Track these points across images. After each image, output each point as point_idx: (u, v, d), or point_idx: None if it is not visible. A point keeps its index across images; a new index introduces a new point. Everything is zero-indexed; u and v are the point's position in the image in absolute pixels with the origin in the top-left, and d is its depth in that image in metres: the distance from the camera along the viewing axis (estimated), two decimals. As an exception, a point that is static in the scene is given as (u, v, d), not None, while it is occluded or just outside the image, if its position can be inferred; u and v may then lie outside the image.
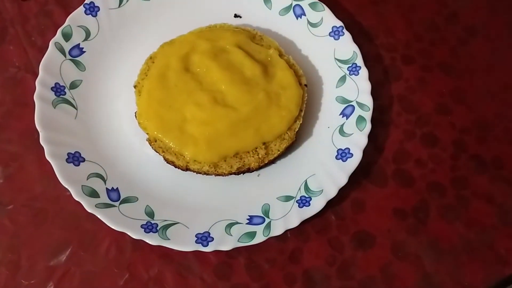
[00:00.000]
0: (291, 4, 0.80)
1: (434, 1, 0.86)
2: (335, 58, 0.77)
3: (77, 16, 0.76)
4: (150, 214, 0.67)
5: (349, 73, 0.75)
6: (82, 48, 0.75)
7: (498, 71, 0.80)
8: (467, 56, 0.81)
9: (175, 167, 0.70)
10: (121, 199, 0.67)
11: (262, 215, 0.67)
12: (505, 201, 0.72)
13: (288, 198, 0.69)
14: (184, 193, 0.70)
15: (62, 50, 0.74)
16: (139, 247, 0.67)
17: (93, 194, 0.66)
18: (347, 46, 0.76)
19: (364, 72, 0.74)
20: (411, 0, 0.85)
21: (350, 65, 0.75)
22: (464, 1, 0.86)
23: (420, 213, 0.71)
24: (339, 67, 0.76)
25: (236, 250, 0.65)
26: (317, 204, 0.67)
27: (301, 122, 0.72)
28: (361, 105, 0.73)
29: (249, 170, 0.70)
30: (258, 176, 0.72)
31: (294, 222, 0.66)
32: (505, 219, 0.71)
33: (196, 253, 0.65)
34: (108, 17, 0.77)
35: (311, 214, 0.67)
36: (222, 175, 0.69)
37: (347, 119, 0.73)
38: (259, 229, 0.66)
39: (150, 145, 0.70)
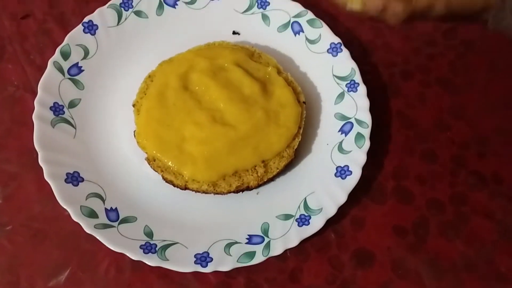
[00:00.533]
0: (289, 21, 0.80)
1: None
2: (334, 75, 0.77)
3: (76, 34, 0.76)
4: (149, 234, 0.66)
5: (348, 90, 0.75)
6: (81, 67, 0.76)
7: (497, 86, 0.80)
8: (466, 71, 0.81)
9: (174, 186, 0.69)
10: (120, 219, 0.67)
11: (262, 234, 0.67)
12: (505, 217, 0.72)
13: (287, 217, 0.68)
14: (182, 212, 0.70)
15: (60, 69, 0.74)
16: (139, 268, 0.67)
17: (92, 214, 0.66)
18: (345, 63, 0.76)
19: (362, 88, 0.74)
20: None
21: (349, 81, 0.75)
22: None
23: (420, 230, 0.71)
24: (338, 83, 0.76)
25: (235, 269, 0.65)
26: (317, 223, 0.67)
27: (300, 139, 0.72)
28: (359, 122, 0.73)
29: (248, 189, 0.70)
30: (257, 194, 0.72)
31: (293, 242, 0.66)
32: (505, 235, 0.71)
33: (196, 273, 0.65)
34: (107, 36, 0.78)
35: (311, 233, 0.66)
36: (221, 194, 0.69)
37: (346, 136, 0.73)
38: (259, 248, 0.65)
39: (149, 164, 0.70)
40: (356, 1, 0.66)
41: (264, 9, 0.81)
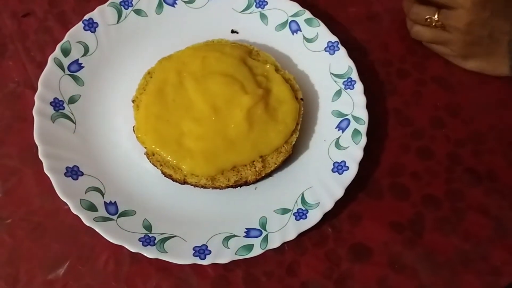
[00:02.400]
0: (287, 20, 0.81)
1: (427, 16, 0.87)
2: (331, 73, 0.78)
3: (76, 32, 0.77)
4: (148, 227, 0.67)
5: (345, 87, 0.76)
6: (81, 63, 0.76)
7: (492, 83, 0.81)
8: (461, 69, 0.82)
9: (173, 180, 0.70)
10: (119, 212, 0.68)
11: (259, 228, 0.68)
12: (500, 213, 0.72)
13: (285, 211, 0.69)
14: (181, 206, 0.70)
15: (61, 66, 0.75)
16: (137, 261, 0.68)
17: (91, 207, 0.67)
18: (342, 61, 0.77)
19: (359, 86, 0.75)
20: (405, 15, 0.86)
21: (346, 79, 0.76)
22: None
23: (416, 226, 0.72)
24: (335, 81, 0.77)
25: (233, 263, 0.66)
26: (314, 217, 0.68)
27: (297, 135, 0.72)
28: (356, 119, 0.74)
29: (246, 183, 0.71)
30: (255, 189, 0.72)
31: (291, 235, 0.66)
32: (500, 231, 0.71)
33: (194, 266, 0.65)
34: (107, 33, 0.78)
35: (308, 226, 0.67)
36: (219, 188, 0.70)
37: (343, 132, 0.74)
38: (256, 242, 0.66)
39: (148, 159, 0.70)
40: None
41: (262, 8, 0.82)
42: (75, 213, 0.65)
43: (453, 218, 0.72)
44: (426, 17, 0.76)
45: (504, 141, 0.77)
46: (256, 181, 0.71)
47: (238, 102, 0.71)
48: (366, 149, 0.71)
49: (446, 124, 0.78)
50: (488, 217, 0.72)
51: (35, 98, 0.72)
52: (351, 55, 0.77)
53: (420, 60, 0.83)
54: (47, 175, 0.67)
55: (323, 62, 0.78)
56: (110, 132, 0.74)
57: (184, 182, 0.69)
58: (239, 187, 0.71)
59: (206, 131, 0.69)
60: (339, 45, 0.78)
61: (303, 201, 0.69)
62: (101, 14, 0.79)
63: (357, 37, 0.85)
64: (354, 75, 0.76)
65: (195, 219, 0.69)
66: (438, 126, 0.78)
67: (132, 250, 0.64)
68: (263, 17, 0.82)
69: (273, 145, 0.70)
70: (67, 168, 0.69)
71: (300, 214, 0.68)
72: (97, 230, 0.64)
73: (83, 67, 0.76)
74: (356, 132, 0.73)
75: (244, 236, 0.67)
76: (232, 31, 0.82)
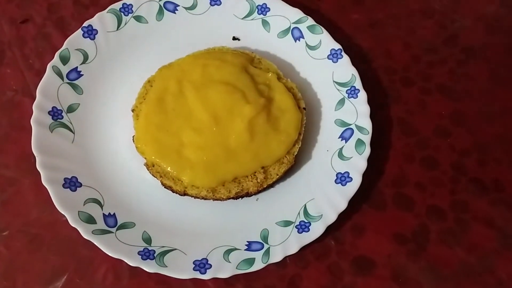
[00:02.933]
0: (290, 26, 0.80)
1: (432, 23, 0.86)
2: (334, 81, 0.76)
3: (75, 39, 0.76)
4: (147, 240, 0.66)
5: (348, 96, 0.75)
6: (80, 71, 0.75)
7: (497, 92, 0.80)
8: (466, 78, 0.81)
9: (173, 192, 0.69)
10: (118, 225, 0.67)
11: (261, 241, 0.67)
12: (505, 224, 0.71)
13: (287, 223, 0.68)
14: (181, 218, 0.69)
15: (59, 74, 0.74)
16: (137, 274, 0.66)
17: (90, 220, 0.66)
18: (346, 69, 0.76)
19: (363, 95, 0.74)
20: (410, 22, 0.85)
21: (349, 88, 0.75)
22: (462, 23, 0.86)
23: (420, 238, 0.70)
24: (338, 90, 0.76)
25: (234, 276, 0.64)
26: (317, 230, 0.66)
27: (300, 145, 0.71)
28: (360, 129, 0.72)
29: (248, 195, 0.70)
30: (256, 200, 0.71)
31: (293, 248, 0.65)
32: (506, 243, 0.70)
33: (194, 280, 0.64)
34: (106, 40, 0.77)
35: (311, 240, 0.66)
36: (221, 200, 0.69)
37: (346, 142, 0.73)
38: (258, 255, 0.65)
39: (148, 170, 0.69)
40: None
41: (264, 15, 0.81)
42: (73, 226, 0.64)
43: (458, 229, 0.71)
44: None
45: (510, 150, 0.76)
46: (258, 192, 0.70)
47: (239, 112, 0.70)
48: (369, 159, 0.70)
49: (451, 133, 0.77)
50: (493, 229, 0.71)
51: (33, 107, 0.71)
52: (353, 62, 0.76)
53: (424, 68, 0.82)
54: (44, 185, 0.66)
55: (326, 70, 0.77)
56: (109, 142, 0.73)
57: (184, 194, 0.68)
58: (240, 199, 0.70)
59: (207, 141, 0.68)
60: (343, 53, 0.77)
61: (306, 213, 0.68)
62: (101, 20, 0.77)
63: (359, 44, 0.83)
64: (358, 84, 0.75)
65: (196, 231, 0.68)
66: (443, 136, 0.77)
67: (131, 265, 0.63)
68: (265, 24, 0.81)
69: (275, 155, 0.69)
70: (65, 179, 0.68)
71: (303, 227, 0.67)
72: (95, 243, 0.63)
73: (82, 75, 0.75)
74: (359, 142, 0.71)
75: (245, 250, 0.66)
76: (234, 38, 0.81)
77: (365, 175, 0.70)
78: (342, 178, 0.70)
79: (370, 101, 0.74)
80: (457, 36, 0.85)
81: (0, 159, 0.73)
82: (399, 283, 0.68)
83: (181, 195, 0.69)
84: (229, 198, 0.69)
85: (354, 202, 0.69)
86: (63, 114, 0.73)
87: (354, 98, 0.75)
